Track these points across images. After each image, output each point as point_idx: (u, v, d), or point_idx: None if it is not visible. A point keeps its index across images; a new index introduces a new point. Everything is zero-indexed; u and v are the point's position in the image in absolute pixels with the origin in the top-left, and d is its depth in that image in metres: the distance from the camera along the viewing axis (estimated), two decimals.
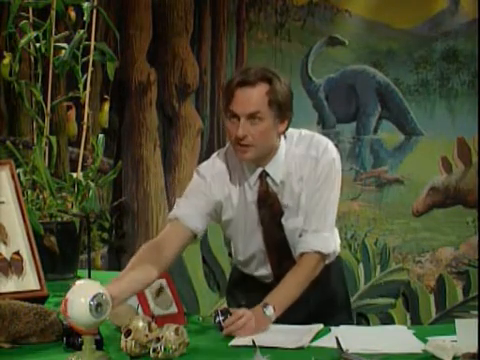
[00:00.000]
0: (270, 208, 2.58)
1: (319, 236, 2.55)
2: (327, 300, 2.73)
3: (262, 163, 2.56)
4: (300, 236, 2.57)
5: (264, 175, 2.57)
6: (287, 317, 2.46)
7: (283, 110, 2.49)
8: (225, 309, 2.40)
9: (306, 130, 2.64)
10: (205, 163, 2.65)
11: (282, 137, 2.58)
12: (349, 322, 2.70)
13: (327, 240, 2.56)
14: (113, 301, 2.17)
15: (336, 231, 2.71)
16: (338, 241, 2.73)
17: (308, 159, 2.56)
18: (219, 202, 2.59)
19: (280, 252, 2.63)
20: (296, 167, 2.56)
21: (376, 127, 5.23)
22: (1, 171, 2.95)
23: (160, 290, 2.54)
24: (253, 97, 2.45)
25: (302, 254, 2.54)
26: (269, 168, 2.56)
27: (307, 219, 2.56)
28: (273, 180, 2.57)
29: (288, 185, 2.57)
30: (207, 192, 2.58)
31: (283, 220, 2.59)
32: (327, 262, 2.63)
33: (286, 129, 2.55)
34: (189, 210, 2.56)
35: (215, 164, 2.62)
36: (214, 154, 2.67)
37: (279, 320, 2.44)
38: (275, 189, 2.57)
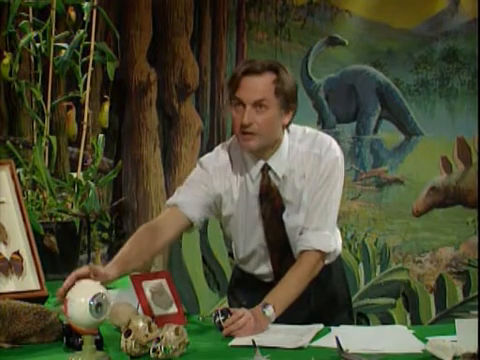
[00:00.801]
0: (272, 203, 2.58)
1: (320, 234, 2.55)
2: (328, 300, 2.73)
3: (264, 156, 2.56)
4: (301, 234, 2.57)
5: (266, 169, 2.57)
6: (288, 317, 2.46)
7: (289, 101, 2.50)
8: (225, 309, 2.40)
9: (310, 128, 2.65)
10: (208, 155, 2.67)
11: (286, 132, 2.58)
12: (349, 322, 2.70)
13: (328, 239, 2.56)
14: (106, 278, 2.28)
15: (338, 231, 2.71)
16: (339, 240, 2.73)
17: (311, 156, 2.56)
18: (219, 195, 2.60)
19: (281, 249, 2.63)
20: (299, 164, 2.56)
21: (376, 127, 5.23)
22: (1, 171, 2.95)
23: (160, 290, 2.54)
24: (260, 85, 2.46)
25: (302, 252, 2.54)
26: (272, 162, 2.57)
27: (308, 217, 2.56)
28: (275, 174, 2.57)
29: (290, 181, 2.56)
30: (208, 183, 2.59)
31: (284, 216, 2.59)
32: (328, 262, 2.63)
33: (290, 122, 2.56)
34: (188, 198, 2.58)
35: (218, 157, 2.63)
36: (218, 147, 2.68)
37: (280, 320, 2.44)
38: (277, 184, 2.57)
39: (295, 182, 2.57)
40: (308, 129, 2.63)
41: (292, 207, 2.58)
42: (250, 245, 2.66)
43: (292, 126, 2.60)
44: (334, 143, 2.60)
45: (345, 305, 2.82)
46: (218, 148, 2.67)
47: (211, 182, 2.59)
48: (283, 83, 2.48)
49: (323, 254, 2.55)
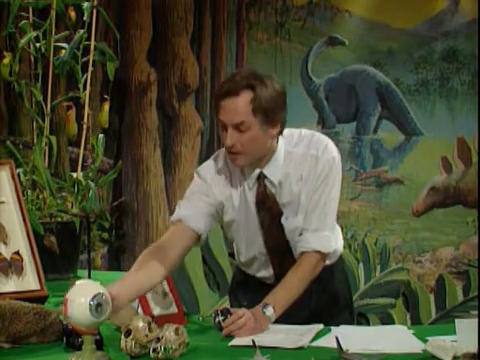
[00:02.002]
0: (269, 210, 2.58)
1: (319, 235, 2.54)
2: (329, 300, 2.72)
3: (260, 165, 2.55)
4: (300, 235, 2.56)
5: (262, 177, 2.56)
6: (289, 316, 2.46)
7: (270, 116, 2.45)
8: (225, 309, 2.40)
9: (306, 130, 2.64)
10: (205, 164, 2.65)
11: (280, 138, 2.57)
12: (351, 323, 2.69)
13: (327, 239, 2.56)
14: (116, 304, 2.18)
15: (338, 230, 2.71)
16: (341, 240, 2.73)
17: (308, 158, 2.55)
18: (220, 203, 2.59)
19: (282, 254, 2.62)
20: (296, 167, 2.55)
21: (376, 127, 5.23)
22: (1, 171, 2.95)
23: (160, 290, 2.54)
24: (237, 108, 2.43)
25: (302, 253, 2.54)
26: (267, 170, 2.56)
27: (307, 218, 2.55)
28: (271, 182, 2.56)
29: (287, 186, 2.56)
30: (209, 193, 2.58)
31: (283, 219, 2.58)
32: (329, 262, 2.63)
33: (281, 131, 2.53)
34: (191, 211, 2.55)
35: (215, 165, 2.62)
36: (214, 155, 2.66)
37: (281, 319, 2.44)
38: (273, 190, 2.57)
39: (292, 185, 2.56)
40: (304, 131, 2.62)
41: (290, 210, 2.57)
42: (251, 251, 2.66)
43: (288, 130, 2.59)
44: (330, 143, 2.59)
45: (346, 305, 2.81)
46: (214, 157, 2.65)
47: (211, 191, 2.58)
48: (260, 100, 2.42)
49: (323, 254, 2.55)
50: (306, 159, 2.55)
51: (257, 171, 2.56)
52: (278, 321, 2.44)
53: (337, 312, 2.71)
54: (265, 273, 2.68)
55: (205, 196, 2.58)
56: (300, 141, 2.58)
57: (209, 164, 2.64)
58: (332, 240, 2.58)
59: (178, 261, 2.54)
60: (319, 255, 2.54)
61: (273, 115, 2.46)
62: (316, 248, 2.53)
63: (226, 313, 2.36)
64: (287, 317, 2.45)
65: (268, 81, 2.46)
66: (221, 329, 2.35)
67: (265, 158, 2.55)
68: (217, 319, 2.36)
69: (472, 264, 5.00)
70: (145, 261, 2.44)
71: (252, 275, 2.73)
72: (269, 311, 2.40)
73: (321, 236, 2.54)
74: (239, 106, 2.43)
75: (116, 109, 5.31)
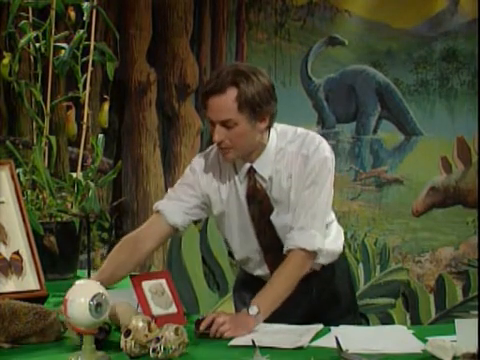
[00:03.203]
0: (259, 204, 2.58)
1: (305, 233, 2.52)
2: (331, 300, 2.71)
3: (250, 159, 2.57)
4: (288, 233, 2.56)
5: (252, 171, 2.57)
6: (288, 315, 2.45)
7: (257, 111, 2.46)
8: (200, 319, 2.40)
9: (302, 128, 2.63)
10: (197, 156, 2.70)
11: (274, 133, 2.57)
12: (354, 323, 2.67)
13: (313, 237, 2.52)
14: None
15: (339, 229, 2.71)
16: (341, 240, 2.72)
17: (299, 157, 2.55)
18: (207, 195, 2.61)
19: (276, 252, 2.60)
20: (287, 164, 2.55)
21: (376, 127, 5.23)
22: (1, 171, 2.95)
23: (160, 290, 2.54)
24: (223, 105, 2.44)
25: (289, 251, 2.53)
26: (257, 164, 2.56)
27: (295, 216, 2.54)
28: (261, 176, 2.57)
29: (276, 182, 2.56)
30: (195, 185, 2.61)
31: (273, 216, 2.58)
32: (326, 261, 2.63)
33: (270, 124, 2.54)
34: (172, 205, 2.60)
35: (208, 157, 2.65)
36: (209, 148, 2.68)
37: (280, 318, 2.43)
38: (264, 185, 2.57)
39: (281, 182, 2.55)
40: (299, 130, 2.61)
41: (282, 207, 2.57)
42: (245, 249, 2.65)
43: (284, 127, 2.60)
44: (323, 143, 2.58)
45: (349, 305, 2.80)
46: (209, 150, 2.68)
47: (197, 183, 2.61)
48: (246, 96, 2.43)
49: (310, 253, 2.53)
50: (297, 158, 2.55)
51: (247, 165, 2.57)
52: (277, 320, 2.43)
53: (340, 312, 2.70)
54: (261, 272, 2.67)
55: (191, 189, 2.61)
56: (294, 139, 2.58)
57: (202, 156, 2.68)
58: (318, 238, 2.54)
59: (151, 252, 2.66)
60: (305, 253, 2.51)
61: (260, 110, 2.47)
62: (301, 246, 2.51)
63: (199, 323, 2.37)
64: (286, 315, 2.45)
65: (253, 76, 2.46)
66: (207, 334, 2.34)
67: (255, 152, 2.55)
68: (197, 332, 2.36)
69: (472, 264, 5.00)
70: (119, 252, 2.57)
71: (252, 274, 2.73)
72: (252, 310, 2.39)
73: (307, 234, 2.52)
74: (224, 104, 2.44)
75: (116, 109, 5.31)
